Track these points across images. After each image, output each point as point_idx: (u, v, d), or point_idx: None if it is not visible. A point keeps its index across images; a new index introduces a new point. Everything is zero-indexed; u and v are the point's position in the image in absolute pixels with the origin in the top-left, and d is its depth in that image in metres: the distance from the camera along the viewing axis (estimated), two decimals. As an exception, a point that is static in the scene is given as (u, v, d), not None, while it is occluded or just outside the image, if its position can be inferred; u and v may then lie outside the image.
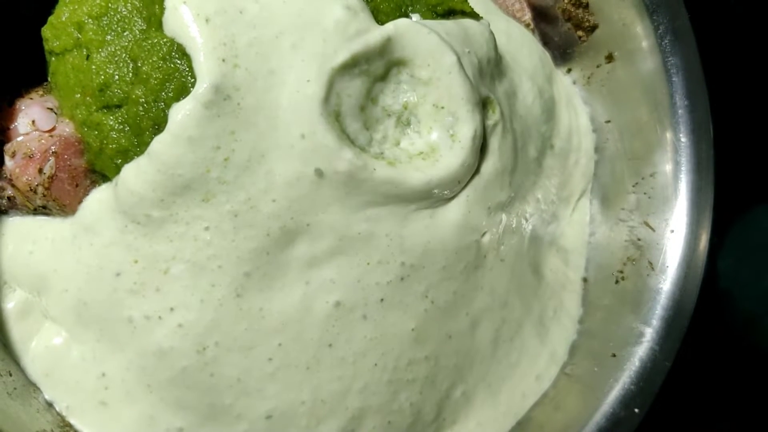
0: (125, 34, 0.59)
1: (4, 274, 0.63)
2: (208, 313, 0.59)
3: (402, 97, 0.63)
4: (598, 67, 0.79)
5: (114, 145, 0.59)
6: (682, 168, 0.72)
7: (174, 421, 0.61)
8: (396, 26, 0.61)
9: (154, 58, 0.57)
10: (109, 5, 0.60)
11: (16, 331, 0.63)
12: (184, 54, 0.57)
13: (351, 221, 0.61)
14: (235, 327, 0.59)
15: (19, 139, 0.62)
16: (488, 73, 0.69)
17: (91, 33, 0.59)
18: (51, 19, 0.62)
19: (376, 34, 0.60)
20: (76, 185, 0.61)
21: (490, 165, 0.67)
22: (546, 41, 0.82)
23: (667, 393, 0.69)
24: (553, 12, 0.80)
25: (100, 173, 0.61)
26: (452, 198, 0.65)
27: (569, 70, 0.82)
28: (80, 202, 0.61)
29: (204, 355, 0.59)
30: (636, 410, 0.68)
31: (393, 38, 0.61)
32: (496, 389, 0.72)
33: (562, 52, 0.82)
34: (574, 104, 0.81)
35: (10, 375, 0.61)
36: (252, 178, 0.57)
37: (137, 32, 0.59)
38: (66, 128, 0.61)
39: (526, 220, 0.74)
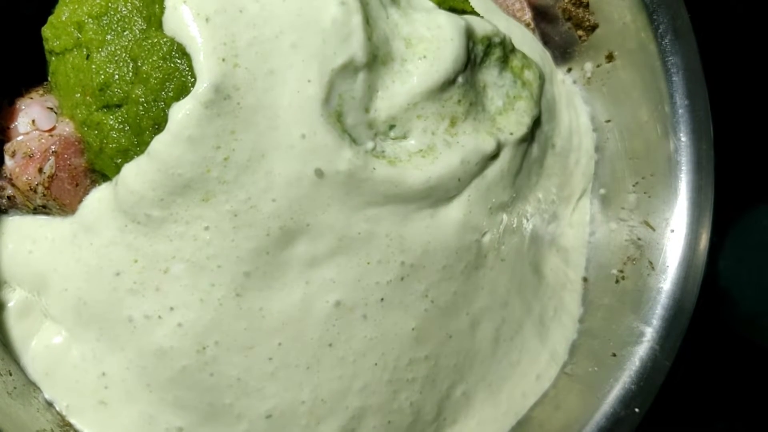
0: (125, 33, 0.59)
1: (4, 274, 0.63)
2: (208, 313, 0.59)
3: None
4: (598, 66, 0.79)
5: (114, 145, 0.59)
6: (682, 168, 0.72)
7: (174, 420, 0.61)
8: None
9: (154, 58, 0.57)
10: (109, 5, 0.59)
11: (16, 331, 0.63)
12: (184, 53, 0.57)
13: (351, 221, 0.61)
14: (234, 326, 0.59)
15: (19, 138, 0.62)
16: (488, 73, 0.69)
17: (91, 33, 0.59)
18: (51, 18, 0.62)
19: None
20: (76, 185, 0.61)
21: (496, 166, 0.67)
22: (546, 41, 0.82)
23: (667, 393, 0.69)
24: (553, 11, 0.80)
25: (100, 173, 0.61)
26: (453, 198, 0.65)
27: (569, 70, 0.82)
28: (80, 201, 0.61)
29: (204, 355, 0.59)
30: (636, 410, 0.68)
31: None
32: (496, 389, 0.72)
33: (562, 51, 0.82)
34: (575, 104, 0.81)
35: (10, 374, 0.61)
36: (252, 177, 0.57)
37: (137, 32, 0.59)
38: (66, 128, 0.61)
39: (527, 220, 0.74)
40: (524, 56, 0.72)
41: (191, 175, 0.56)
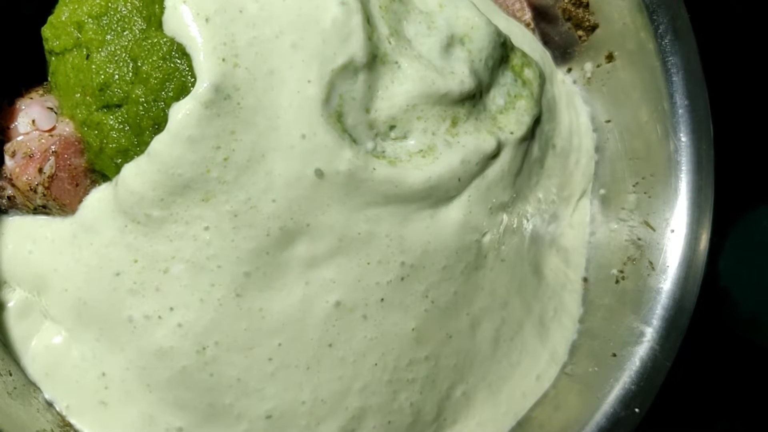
0: (125, 33, 0.59)
1: (4, 274, 0.63)
2: (208, 313, 0.59)
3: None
4: (598, 66, 0.79)
5: (114, 145, 0.59)
6: (682, 168, 0.71)
7: (173, 421, 0.61)
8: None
9: (154, 58, 0.57)
10: (109, 5, 0.60)
11: (16, 331, 0.63)
12: (184, 53, 0.57)
13: (351, 222, 0.61)
14: (234, 327, 0.59)
15: (19, 138, 0.62)
16: (488, 73, 0.69)
17: (91, 33, 0.59)
18: (51, 18, 0.62)
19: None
20: (76, 185, 0.61)
21: (496, 166, 0.67)
22: (546, 41, 0.82)
23: (667, 393, 0.69)
24: (553, 12, 0.80)
25: (100, 173, 0.61)
26: (453, 198, 0.65)
27: (569, 70, 0.82)
28: (80, 201, 0.61)
29: (204, 355, 0.59)
30: (636, 410, 0.68)
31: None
32: (496, 389, 0.72)
33: (562, 51, 0.82)
34: (575, 104, 0.81)
35: (10, 374, 0.61)
36: (252, 178, 0.57)
37: (137, 32, 0.59)
38: (66, 128, 0.61)
39: (527, 220, 0.74)
40: (524, 54, 0.72)
41: (191, 175, 0.56)
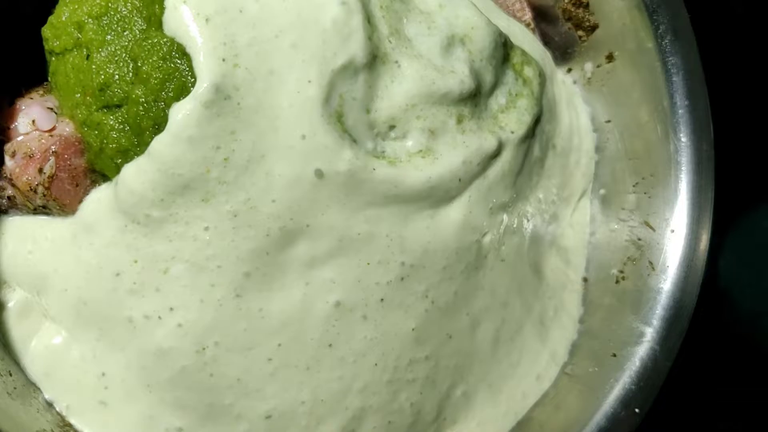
0: (125, 33, 0.59)
1: (3, 274, 0.63)
2: (208, 313, 0.59)
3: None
4: (598, 67, 0.79)
5: (114, 145, 0.59)
6: (682, 168, 0.71)
7: (173, 421, 0.61)
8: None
9: (154, 58, 0.57)
10: (110, 5, 0.60)
11: (16, 331, 0.63)
12: (184, 54, 0.57)
13: (351, 222, 0.61)
14: (234, 327, 0.59)
15: (19, 138, 0.62)
16: (488, 73, 0.69)
17: (91, 33, 0.59)
18: (51, 18, 0.62)
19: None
20: (76, 185, 0.61)
21: (497, 166, 0.67)
22: (546, 41, 0.82)
23: (667, 393, 0.69)
24: (553, 12, 0.80)
25: (100, 173, 0.61)
26: (454, 198, 0.65)
27: (569, 70, 0.82)
28: (80, 201, 0.61)
29: (203, 355, 0.59)
30: (636, 410, 0.68)
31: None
32: (496, 389, 0.72)
33: (562, 51, 0.82)
34: (575, 104, 0.81)
35: (10, 375, 0.61)
36: (252, 178, 0.57)
37: (137, 32, 0.59)
38: (66, 128, 0.61)
39: (527, 220, 0.74)
40: (524, 52, 0.72)
41: (191, 175, 0.56)
